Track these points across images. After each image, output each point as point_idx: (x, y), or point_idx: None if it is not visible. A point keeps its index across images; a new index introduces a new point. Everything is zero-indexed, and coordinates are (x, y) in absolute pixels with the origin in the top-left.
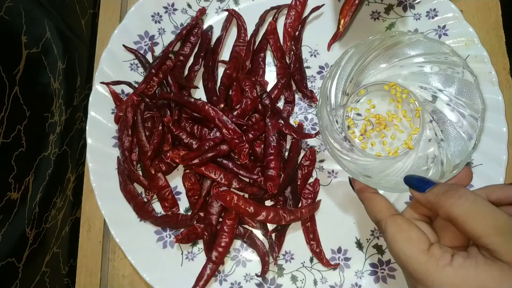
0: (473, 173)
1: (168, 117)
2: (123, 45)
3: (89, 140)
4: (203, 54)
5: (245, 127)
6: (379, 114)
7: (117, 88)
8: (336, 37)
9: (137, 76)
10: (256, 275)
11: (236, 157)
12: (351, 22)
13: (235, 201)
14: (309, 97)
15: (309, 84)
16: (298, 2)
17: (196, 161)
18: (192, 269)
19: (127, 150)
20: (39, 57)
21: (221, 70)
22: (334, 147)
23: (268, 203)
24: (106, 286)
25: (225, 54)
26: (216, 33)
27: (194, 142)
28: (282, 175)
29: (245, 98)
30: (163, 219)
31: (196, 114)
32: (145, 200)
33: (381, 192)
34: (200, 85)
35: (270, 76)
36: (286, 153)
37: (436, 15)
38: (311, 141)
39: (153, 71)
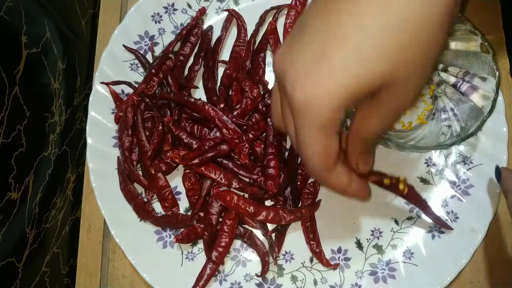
0: (473, 173)
1: (168, 117)
2: (123, 45)
3: (89, 140)
4: (203, 54)
5: (245, 127)
6: None
7: (117, 88)
8: None
9: (137, 76)
10: (256, 275)
11: (236, 157)
12: None
13: (235, 201)
14: None
15: None
16: (298, 2)
17: (196, 161)
18: (192, 269)
19: (127, 150)
20: (39, 57)
21: (221, 70)
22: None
23: (268, 203)
24: (106, 286)
25: (225, 54)
26: (216, 33)
27: (194, 142)
28: (282, 175)
29: (246, 98)
30: (163, 219)
31: (196, 114)
32: (145, 200)
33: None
34: (200, 85)
35: (270, 76)
36: (286, 153)
37: None
38: None
39: (153, 71)
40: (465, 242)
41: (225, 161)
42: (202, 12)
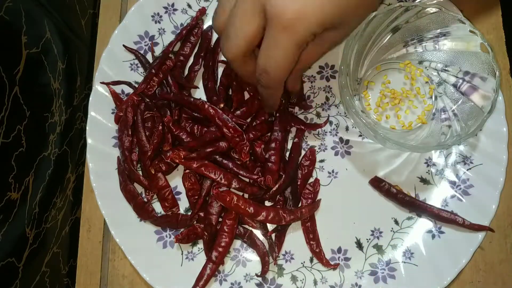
0: (473, 173)
1: (168, 117)
2: (123, 45)
3: (89, 140)
4: (203, 54)
5: (245, 126)
6: (394, 89)
7: (117, 88)
8: None
9: (137, 76)
10: (256, 275)
11: (237, 156)
12: None
13: (235, 202)
14: (306, 108)
15: (309, 84)
16: None
17: (194, 155)
18: (192, 269)
19: (127, 150)
20: (39, 57)
21: (221, 70)
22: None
23: (268, 203)
24: (106, 286)
25: None
26: (216, 33)
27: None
28: (283, 176)
29: (253, 98)
30: (163, 219)
31: (196, 114)
32: (145, 200)
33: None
34: (200, 85)
35: None
36: (287, 154)
37: None
38: (311, 141)
39: (153, 71)
40: (465, 242)
41: (225, 161)
42: (202, 12)
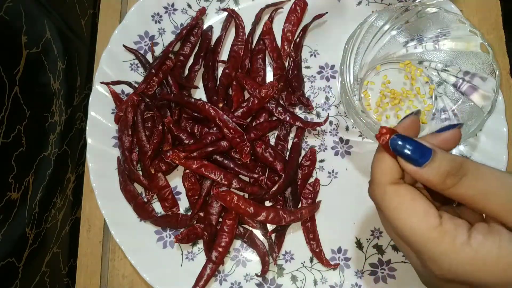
0: None
1: (169, 117)
2: (123, 45)
3: (89, 140)
4: (203, 54)
5: (245, 126)
6: (394, 89)
7: (117, 88)
8: None
9: (137, 76)
10: (256, 275)
11: (237, 156)
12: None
13: (235, 201)
14: (306, 105)
15: (309, 84)
16: (298, 7)
17: (195, 154)
18: (192, 269)
19: (127, 150)
20: (39, 57)
21: (221, 70)
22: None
23: (268, 203)
24: (106, 286)
25: (225, 54)
26: (216, 33)
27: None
28: (283, 176)
29: (253, 97)
30: (163, 219)
31: (196, 114)
32: (145, 200)
33: None
34: (200, 85)
35: (269, 76)
36: (287, 154)
37: None
38: (311, 141)
39: (153, 71)
40: None
41: (225, 161)
42: (202, 12)
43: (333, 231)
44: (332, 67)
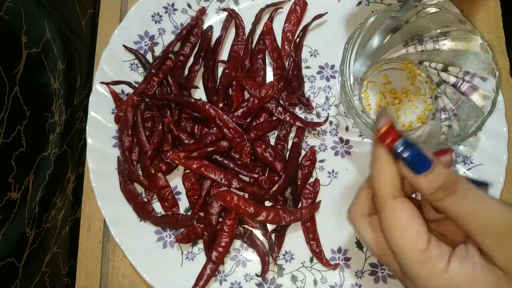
0: (473, 173)
1: (169, 117)
2: (123, 45)
3: (89, 140)
4: (203, 54)
5: (245, 126)
6: (394, 89)
7: (117, 88)
8: None
9: (137, 76)
10: (256, 275)
11: (237, 156)
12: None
13: (235, 201)
14: (306, 105)
15: (309, 84)
16: (297, 7)
17: (195, 154)
18: (192, 269)
19: (127, 150)
20: (39, 57)
21: (221, 70)
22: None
23: (268, 203)
24: (106, 286)
25: (225, 54)
26: (216, 33)
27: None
28: (283, 176)
29: (253, 97)
30: (163, 219)
31: (196, 114)
32: (145, 200)
33: None
34: (200, 85)
35: (269, 76)
36: (287, 154)
37: None
38: (311, 141)
39: (153, 71)
40: None
41: (225, 161)
42: (202, 12)
43: (333, 231)
44: (332, 67)
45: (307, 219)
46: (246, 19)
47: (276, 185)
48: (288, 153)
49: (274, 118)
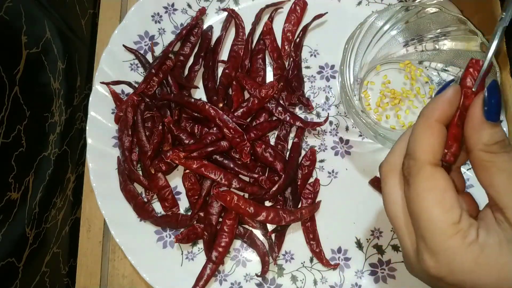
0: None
1: (169, 117)
2: (123, 45)
3: (89, 140)
4: (203, 54)
5: (245, 126)
6: (394, 89)
7: (117, 88)
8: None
9: (137, 76)
10: (256, 275)
11: (237, 156)
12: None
13: (235, 201)
14: (306, 105)
15: (309, 84)
16: (298, 7)
17: (195, 154)
18: (192, 269)
19: (127, 150)
20: (39, 57)
21: (221, 70)
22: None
23: (268, 203)
24: (106, 286)
25: (225, 54)
26: (216, 33)
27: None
28: (283, 176)
29: (253, 97)
30: (163, 219)
31: (196, 114)
32: (145, 200)
33: None
34: (200, 85)
35: (269, 76)
36: (287, 154)
37: None
38: (311, 141)
39: (153, 71)
40: None
41: (225, 161)
42: (202, 12)
43: (333, 231)
44: (332, 67)
45: (307, 219)
46: (246, 19)
47: (276, 185)
48: (288, 153)
49: (274, 118)
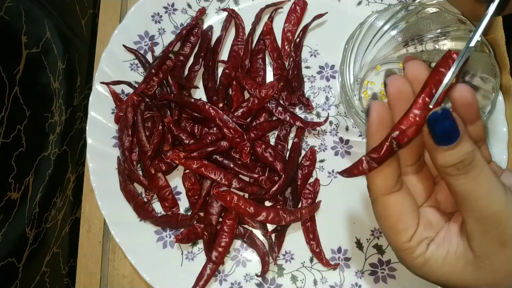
0: None
1: (169, 117)
2: (123, 45)
3: (89, 140)
4: (203, 54)
5: (245, 126)
6: None
7: (117, 88)
8: None
9: (137, 76)
10: (256, 275)
11: (237, 156)
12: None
13: (235, 201)
14: (306, 105)
15: (309, 84)
16: (297, 7)
17: (195, 154)
18: (192, 269)
19: (127, 150)
20: (39, 57)
21: (221, 70)
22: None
23: (268, 203)
24: (106, 286)
25: (225, 54)
26: (216, 33)
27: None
28: (283, 176)
29: (253, 97)
30: (163, 219)
31: (196, 114)
32: (145, 200)
33: None
34: (200, 85)
35: (269, 76)
36: (287, 154)
37: None
38: (311, 141)
39: (153, 71)
40: None
41: (225, 161)
42: (202, 12)
43: (333, 231)
44: (332, 67)
45: (307, 219)
46: (246, 19)
47: (276, 185)
48: (288, 153)
49: (274, 118)
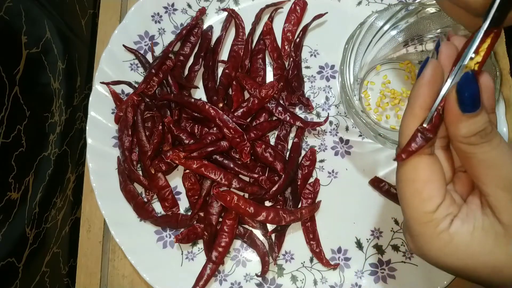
0: None
1: (169, 117)
2: (123, 45)
3: (89, 140)
4: (203, 54)
5: (245, 126)
6: (394, 89)
7: (117, 88)
8: None
9: (137, 76)
10: (256, 275)
11: (237, 156)
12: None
13: (235, 201)
14: (306, 105)
15: (309, 84)
16: (297, 7)
17: (195, 154)
18: (192, 269)
19: (127, 150)
20: (39, 57)
21: (221, 70)
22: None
23: (268, 203)
24: (106, 286)
25: (225, 54)
26: (216, 33)
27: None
28: (283, 176)
29: (253, 97)
30: (163, 219)
31: (196, 114)
32: (145, 200)
33: None
34: (200, 85)
35: (269, 76)
36: (287, 154)
37: None
38: (311, 141)
39: (153, 71)
40: None
41: (225, 161)
42: (202, 12)
43: (333, 231)
44: (332, 67)
45: (307, 219)
46: (246, 19)
47: (276, 185)
48: (288, 153)
49: (274, 118)
